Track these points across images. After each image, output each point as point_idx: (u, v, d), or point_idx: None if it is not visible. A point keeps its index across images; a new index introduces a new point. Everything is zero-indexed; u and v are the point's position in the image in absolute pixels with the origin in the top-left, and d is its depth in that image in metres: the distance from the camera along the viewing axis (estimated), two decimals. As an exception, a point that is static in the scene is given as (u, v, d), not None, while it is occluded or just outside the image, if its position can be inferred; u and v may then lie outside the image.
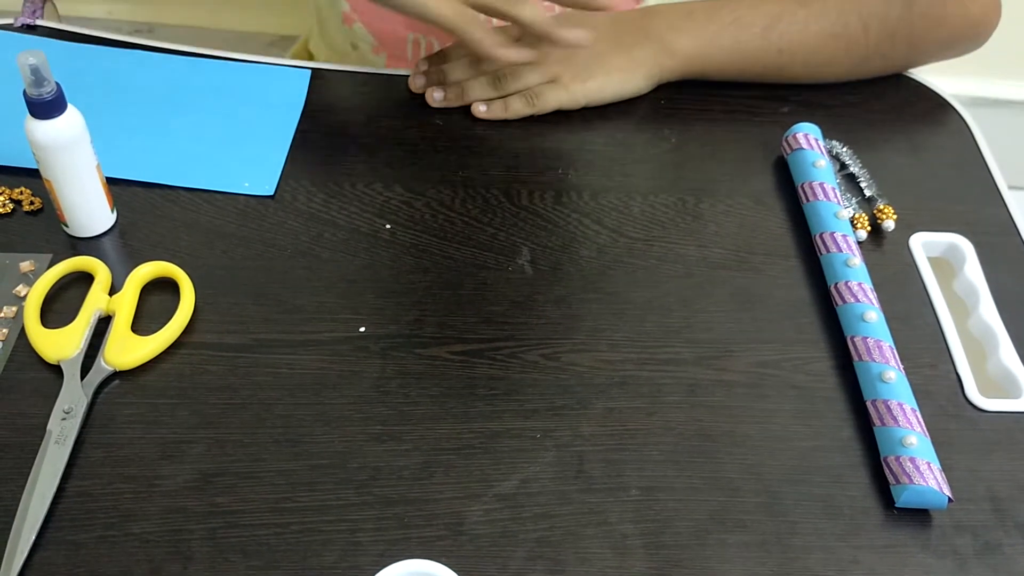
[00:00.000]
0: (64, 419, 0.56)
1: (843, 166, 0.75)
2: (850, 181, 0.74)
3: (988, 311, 0.66)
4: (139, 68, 0.78)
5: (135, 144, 0.72)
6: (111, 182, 0.67)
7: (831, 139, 0.76)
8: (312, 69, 0.80)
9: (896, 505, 0.55)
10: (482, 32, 0.69)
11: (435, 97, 0.77)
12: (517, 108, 0.76)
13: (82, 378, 0.58)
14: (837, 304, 0.64)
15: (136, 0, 1.29)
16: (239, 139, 0.74)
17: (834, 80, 0.81)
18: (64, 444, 0.55)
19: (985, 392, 0.61)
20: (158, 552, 0.51)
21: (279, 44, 1.37)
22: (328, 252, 0.66)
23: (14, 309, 0.61)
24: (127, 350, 0.59)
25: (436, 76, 0.78)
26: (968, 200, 0.74)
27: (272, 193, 0.70)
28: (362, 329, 0.62)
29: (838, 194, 0.70)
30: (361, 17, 0.87)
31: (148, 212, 0.68)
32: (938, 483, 0.54)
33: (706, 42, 0.77)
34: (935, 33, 0.79)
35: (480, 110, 0.76)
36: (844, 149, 0.76)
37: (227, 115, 0.75)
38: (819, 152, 0.72)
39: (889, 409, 0.57)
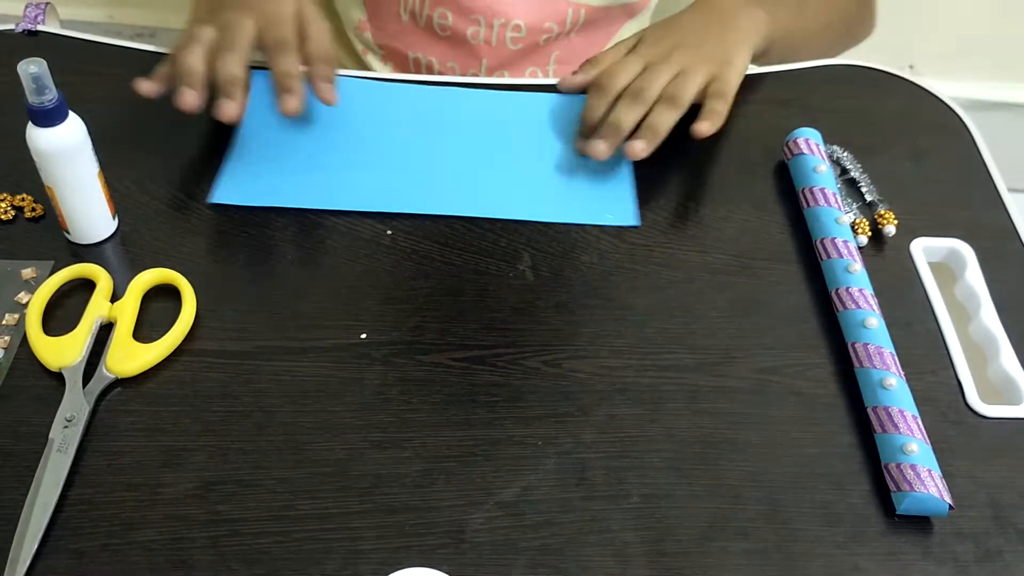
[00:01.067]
0: (66, 427, 0.56)
1: (844, 171, 0.75)
2: (851, 186, 0.74)
3: (989, 316, 0.66)
4: (445, 104, 0.77)
5: (483, 182, 0.72)
6: (477, 222, 0.69)
7: (832, 144, 0.76)
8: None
9: (897, 512, 0.55)
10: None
11: (600, 149, 0.71)
12: (666, 121, 0.71)
13: (84, 386, 0.58)
14: (838, 310, 0.64)
15: (138, 4, 1.29)
16: (577, 170, 0.73)
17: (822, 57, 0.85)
18: (66, 452, 0.55)
19: (986, 398, 0.61)
20: (160, 560, 0.51)
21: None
22: (329, 258, 0.67)
23: (16, 316, 0.61)
24: (129, 357, 0.59)
25: (587, 128, 0.73)
26: (969, 205, 0.74)
27: (639, 223, 0.70)
28: (363, 336, 0.62)
29: (839, 199, 0.70)
30: (372, 30, 0.88)
31: (149, 219, 0.68)
32: (939, 490, 0.54)
33: (773, 10, 0.79)
34: (861, 14, 0.89)
35: (638, 149, 0.70)
36: (845, 154, 0.76)
37: (554, 146, 0.74)
38: (820, 157, 0.72)
39: (890, 416, 0.57)
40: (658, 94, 0.71)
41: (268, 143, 0.73)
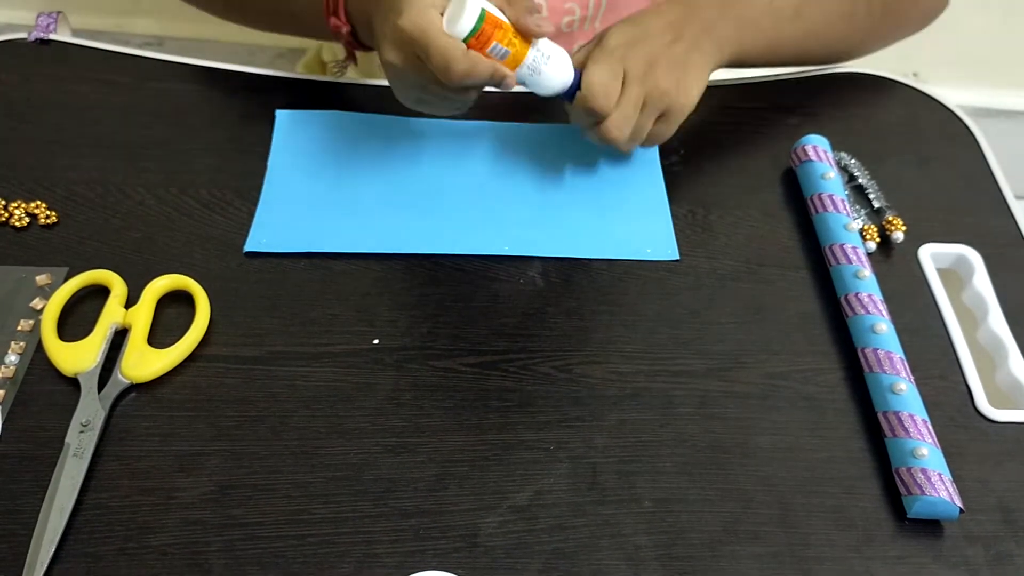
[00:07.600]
0: (82, 432, 0.56)
1: (852, 178, 0.75)
2: (859, 193, 0.75)
3: (997, 322, 0.66)
4: (472, 138, 0.76)
5: (520, 219, 0.70)
6: (519, 260, 0.68)
7: (840, 151, 0.76)
8: (322, 82, 0.81)
9: (908, 516, 0.56)
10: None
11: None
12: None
13: (99, 391, 0.58)
14: (847, 316, 0.65)
15: (146, 13, 1.30)
16: (614, 204, 0.72)
17: (836, 61, 0.83)
18: (82, 457, 0.55)
19: (995, 403, 0.62)
20: (176, 565, 0.52)
21: (287, 56, 1.38)
22: (341, 264, 0.67)
23: (31, 322, 0.62)
24: (144, 363, 0.60)
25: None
26: (976, 211, 0.74)
27: (678, 257, 0.69)
28: (376, 341, 0.63)
29: (847, 206, 0.71)
30: None
31: (163, 225, 0.69)
32: (949, 494, 0.55)
33: (749, 29, 0.76)
34: (911, 10, 0.82)
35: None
36: (853, 161, 0.76)
37: (589, 179, 0.74)
38: (828, 164, 0.73)
39: (900, 420, 0.58)
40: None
41: (295, 187, 0.71)
